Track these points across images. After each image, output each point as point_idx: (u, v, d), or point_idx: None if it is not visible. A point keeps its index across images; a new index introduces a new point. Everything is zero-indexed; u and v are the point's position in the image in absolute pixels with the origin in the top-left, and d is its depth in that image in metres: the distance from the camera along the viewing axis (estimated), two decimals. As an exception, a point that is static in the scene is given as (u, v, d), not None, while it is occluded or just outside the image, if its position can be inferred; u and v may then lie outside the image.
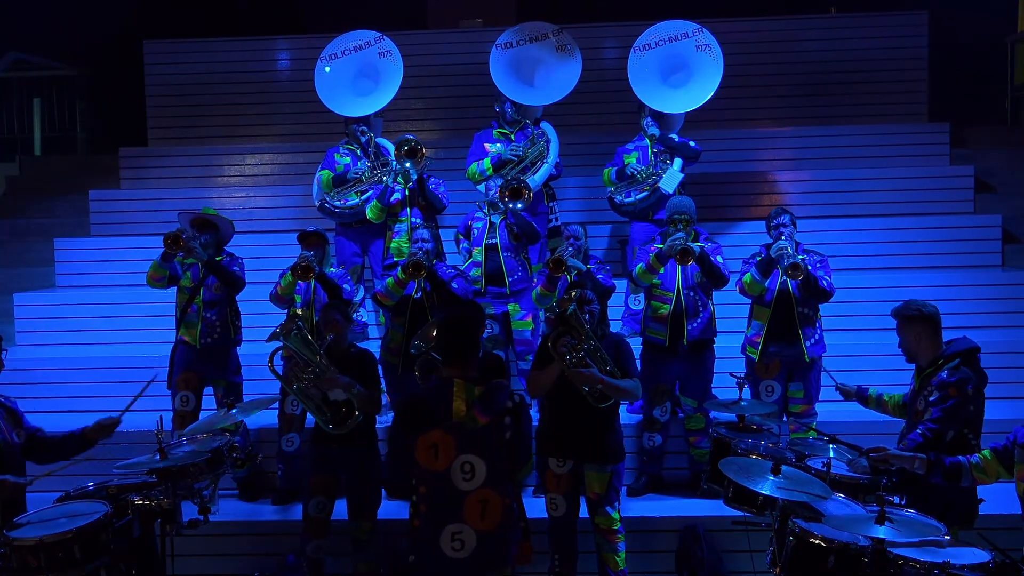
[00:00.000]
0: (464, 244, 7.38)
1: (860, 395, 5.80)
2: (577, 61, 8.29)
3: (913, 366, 5.44)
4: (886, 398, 5.70)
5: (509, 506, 4.24)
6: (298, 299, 7.00)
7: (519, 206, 6.95)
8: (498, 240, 7.16)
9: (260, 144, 10.58)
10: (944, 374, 5.18)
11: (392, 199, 7.69)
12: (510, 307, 7.17)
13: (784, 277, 6.60)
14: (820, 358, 6.76)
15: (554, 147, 7.97)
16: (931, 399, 5.17)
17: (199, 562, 6.27)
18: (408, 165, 7.40)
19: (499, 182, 7.23)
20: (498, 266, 7.13)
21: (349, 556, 6.00)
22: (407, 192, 7.63)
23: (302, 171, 9.96)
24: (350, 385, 5.71)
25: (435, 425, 4.16)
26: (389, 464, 4.38)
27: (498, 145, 7.98)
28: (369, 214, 7.77)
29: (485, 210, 7.23)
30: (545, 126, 8.08)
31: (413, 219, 7.56)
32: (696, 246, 6.53)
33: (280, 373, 5.91)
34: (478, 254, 7.19)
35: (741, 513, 5.26)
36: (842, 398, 5.91)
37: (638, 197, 7.94)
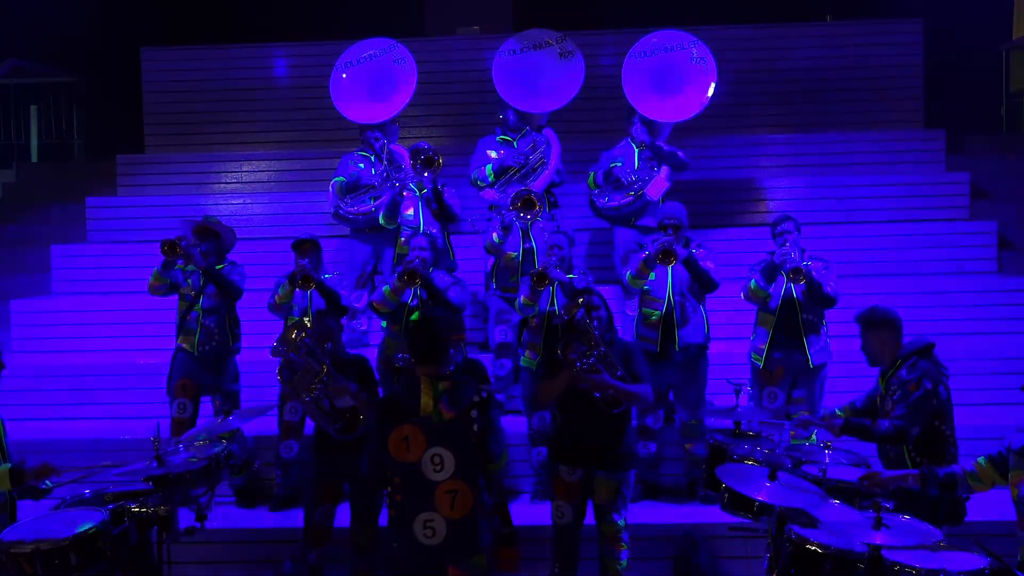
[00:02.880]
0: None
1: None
2: (580, 68, 8.33)
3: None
4: (839, 413, 5.73)
5: (479, 497, 4.43)
6: (293, 307, 7.00)
7: (529, 217, 6.98)
8: (534, 245, 7.24)
9: (257, 151, 10.59)
10: (903, 372, 5.32)
11: (405, 206, 7.73)
12: None
13: (789, 284, 6.61)
14: (825, 365, 6.77)
15: (555, 153, 7.99)
16: (895, 398, 5.31)
17: (196, 569, 6.25)
18: (427, 175, 7.43)
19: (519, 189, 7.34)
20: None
21: (347, 561, 6.00)
22: (419, 199, 7.67)
23: (299, 178, 9.99)
24: (357, 392, 5.74)
25: (406, 419, 4.38)
26: (368, 459, 4.55)
27: (500, 151, 8.01)
28: (381, 220, 7.80)
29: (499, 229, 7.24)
30: (547, 132, 8.11)
31: (427, 227, 7.61)
32: (682, 249, 6.55)
33: (291, 386, 5.89)
34: (513, 259, 7.25)
35: (738, 519, 5.25)
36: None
37: (622, 202, 7.96)
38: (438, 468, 4.37)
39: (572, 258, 6.94)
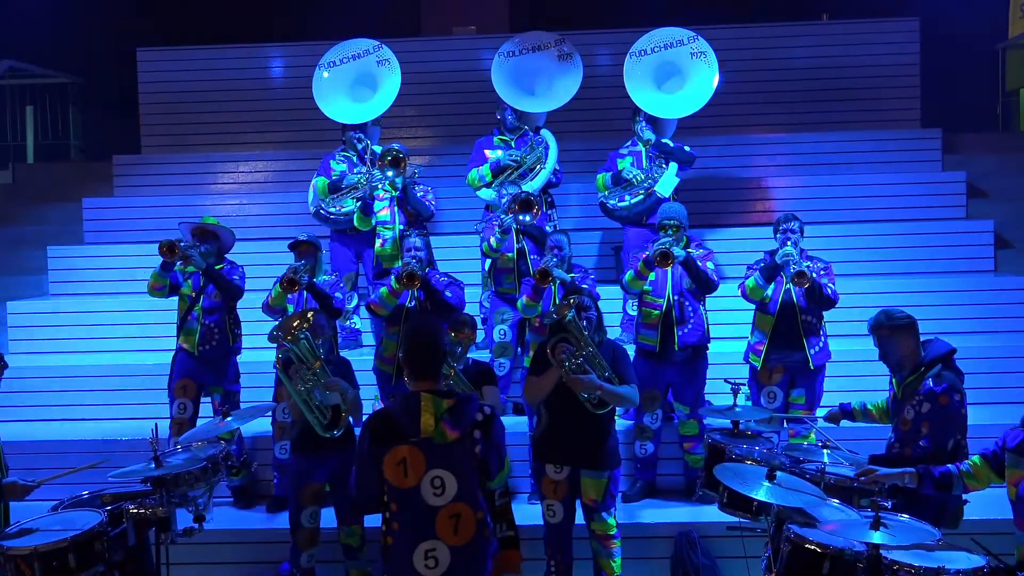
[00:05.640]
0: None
1: (845, 413, 5.82)
2: (578, 69, 8.36)
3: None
4: (871, 407, 5.73)
5: (482, 519, 4.14)
6: (290, 308, 6.98)
7: (527, 219, 6.98)
8: (525, 245, 7.26)
9: (253, 152, 10.58)
10: (930, 382, 5.22)
11: (377, 207, 7.72)
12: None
13: (788, 285, 6.59)
14: (824, 366, 6.77)
15: (553, 154, 8.01)
16: (923, 411, 5.19)
17: (194, 570, 6.26)
18: (391, 174, 7.42)
19: (512, 190, 7.40)
20: (527, 270, 7.20)
21: (340, 563, 6.00)
22: (395, 200, 7.66)
23: (296, 179, 9.96)
24: (346, 389, 5.72)
25: (403, 440, 4.05)
26: (356, 481, 4.19)
27: (498, 152, 8.02)
28: (356, 221, 7.79)
29: (499, 222, 7.24)
30: (545, 133, 8.13)
31: (401, 226, 7.58)
32: (679, 251, 6.54)
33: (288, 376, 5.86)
34: (509, 260, 7.26)
35: (736, 519, 5.26)
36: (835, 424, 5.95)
37: (632, 201, 7.98)
38: (439, 492, 4.05)
39: (572, 257, 6.95)
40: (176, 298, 7.04)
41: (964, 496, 5.09)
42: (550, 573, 5.80)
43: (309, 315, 5.85)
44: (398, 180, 7.52)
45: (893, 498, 4.88)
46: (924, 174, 9.62)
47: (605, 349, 5.71)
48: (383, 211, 7.72)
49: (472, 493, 4.12)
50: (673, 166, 7.96)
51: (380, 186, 7.71)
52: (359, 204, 7.76)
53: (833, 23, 11.04)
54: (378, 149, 8.28)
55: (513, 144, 8.09)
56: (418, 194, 7.71)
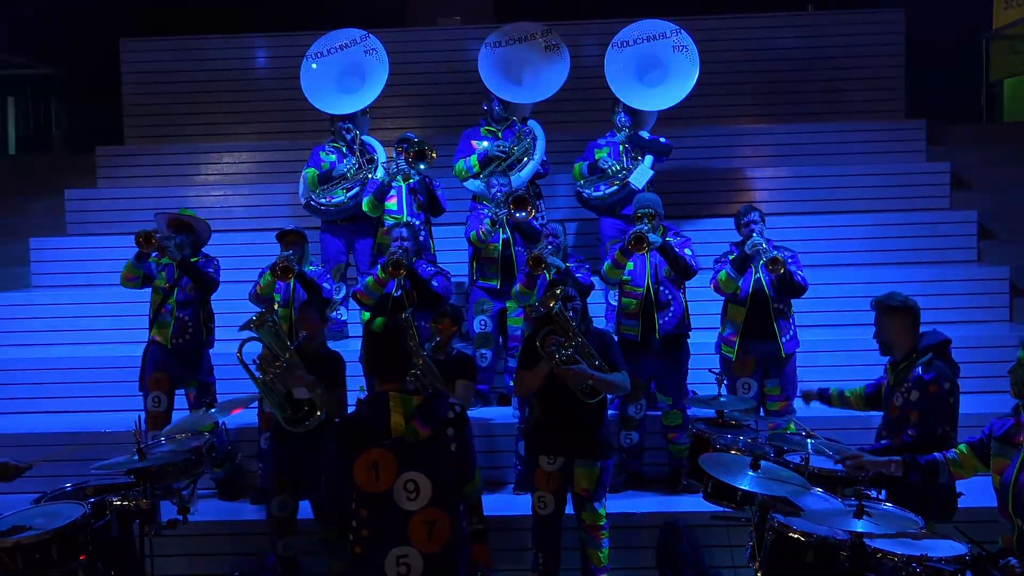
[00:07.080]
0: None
1: (822, 396, 5.83)
2: (565, 60, 8.37)
3: (886, 360, 5.48)
4: (848, 394, 5.74)
5: (457, 524, 4.04)
6: (277, 298, 6.97)
7: (522, 216, 6.99)
8: (510, 236, 7.28)
9: (237, 143, 10.54)
10: (919, 370, 5.21)
11: (388, 197, 7.74)
12: (508, 304, 7.25)
13: (759, 274, 6.62)
14: (795, 354, 6.79)
15: (540, 144, 8.01)
16: (911, 399, 5.19)
17: (178, 562, 6.25)
18: (423, 167, 7.45)
19: (501, 180, 7.42)
20: (511, 261, 7.25)
21: (322, 555, 5.99)
22: (403, 190, 7.67)
23: (280, 170, 9.94)
24: (314, 384, 5.68)
25: (374, 443, 3.93)
26: (328, 491, 4.09)
27: (485, 143, 8.02)
28: (365, 207, 7.79)
29: (491, 210, 7.23)
30: (532, 124, 8.13)
31: (408, 217, 7.60)
32: (655, 237, 6.55)
33: (248, 364, 5.84)
34: (494, 250, 7.27)
35: (721, 508, 5.27)
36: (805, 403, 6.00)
37: (607, 192, 8.00)
38: (412, 495, 3.91)
39: (568, 246, 6.96)
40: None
41: (959, 489, 5.12)
42: (538, 565, 5.80)
43: (275, 306, 5.82)
44: (412, 172, 7.56)
45: (882, 487, 4.90)
46: (908, 164, 9.65)
47: (592, 338, 5.72)
48: (391, 200, 7.75)
49: (448, 497, 4.01)
50: (648, 159, 7.99)
51: (372, 175, 7.78)
52: (375, 190, 7.71)
53: (817, 13, 11.08)
54: (368, 139, 8.29)
55: (500, 135, 8.09)
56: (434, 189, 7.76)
